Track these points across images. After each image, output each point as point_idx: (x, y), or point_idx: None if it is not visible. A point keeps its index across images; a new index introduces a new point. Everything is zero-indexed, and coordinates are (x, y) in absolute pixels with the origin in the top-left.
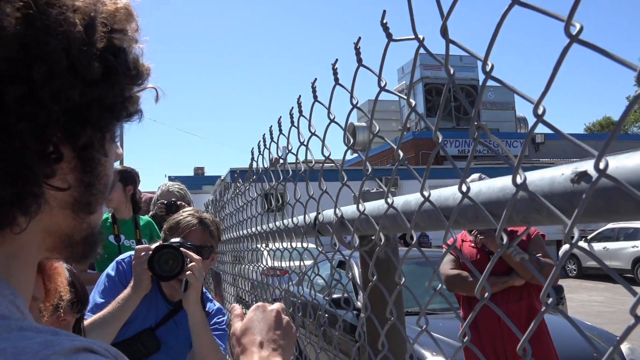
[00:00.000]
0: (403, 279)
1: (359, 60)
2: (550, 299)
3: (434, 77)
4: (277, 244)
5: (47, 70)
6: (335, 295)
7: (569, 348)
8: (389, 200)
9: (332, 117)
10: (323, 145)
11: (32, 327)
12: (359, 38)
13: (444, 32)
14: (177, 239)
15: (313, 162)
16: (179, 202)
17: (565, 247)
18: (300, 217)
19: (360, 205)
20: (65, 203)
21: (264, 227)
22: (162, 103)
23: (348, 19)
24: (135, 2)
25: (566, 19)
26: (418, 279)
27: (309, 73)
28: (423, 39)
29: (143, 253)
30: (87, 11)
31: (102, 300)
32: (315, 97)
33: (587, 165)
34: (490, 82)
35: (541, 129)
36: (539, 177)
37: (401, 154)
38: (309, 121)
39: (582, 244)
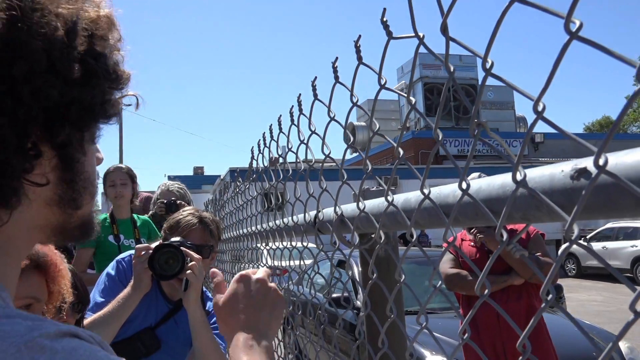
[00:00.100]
0: (403, 277)
1: (359, 59)
2: (550, 296)
3: (434, 76)
4: (277, 243)
5: (28, 68)
6: (335, 295)
7: (568, 347)
8: (389, 198)
9: (332, 116)
10: (323, 143)
11: (18, 314)
12: (359, 36)
13: (444, 29)
14: (177, 238)
15: (313, 161)
16: (178, 202)
17: (566, 244)
18: (301, 216)
19: (360, 203)
20: (50, 200)
21: (264, 225)
22: (161, 103)
23: (348, 18)
24: (117, 12)
25: (566, 16)
26: (418, 278)
27: (309, 72)
28: (423, 36)
29: (143, 252)
30: (69, 17)
31: (103, 300)
32: (315, 95)
33: (587, 162)
34: (489, 82)
35: (541, 128)
36: (538, 174)
37: (401, 151)
38: (309, 119)
39: (581, 243)
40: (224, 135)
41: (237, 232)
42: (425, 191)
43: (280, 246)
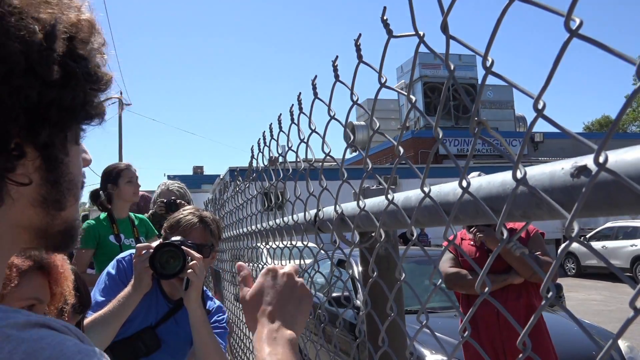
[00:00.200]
0: (403, 275)
1: (359, 57)
2: (551, 293)
3: (433, 75)
4: (277, 242)
5: (6, 70)
6: (334, 294)
7: (567, 346)
8: (390, 197)
9: (332, 114)
10: (323, 142)
11: None
12: (359, 35)
13: (444, 28)
14: (177, 238)
15: (313, 160)
16: (178, 201)
17: (566, 241)
18: (301, 214)
19: (360, 201)
20: (34, 200)
21: (264, 224)
22: (161, 102)
23: (348, 18)
24: (98, 15)
25: (566, 14)
26: (417, 278)
27: (309, 71)
28: (423, 35)
29: (144, 251)
30: (48, 20)
31: (103, 299)
32: (315, 94)
33: (587, 160)
34: (489, 81)
35: (540, 127)
36: (539, 172)
37: (401, 150)
38: (309, 118)
39: (581, 241)
40: (224, 135)
41: (237, 231)
42: (426, 189)
43: (281, 245)
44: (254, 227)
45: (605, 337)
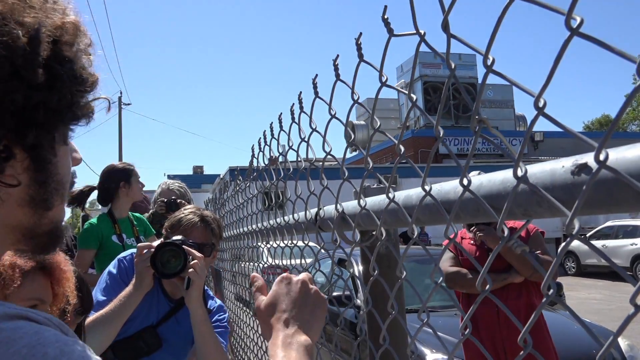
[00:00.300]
0: (404, 273)
1: (360, 56)
2: (551, 290)
3: (433, 75)
4: (277, 242)
5: None
6: (335, 293)
7: (567, 345)
8: (390, 195)
9: (333, 113)
10: (324, 140)
11: None
12: (360, 34)
13: (445, 26)
14: (178, 237)
15: (314, 159)
16: (179, 200)
17: (567, 239)
18: (302, 213)
19: (361, 200)
20: (22, 200)
21: (265, 224)
22: (161, 102)
23: (348, 17)
24: (84, 18)
25: (567, 13)
26: (418, 277)
27: (309, 71)
28: (424, 33)
29: (145, 251)
30: (32, 24)
31: (104, 298)
32: (316, 93)
33: (588, 158)
34: (489, 80)
35: (541, 126)
36: (539, 170)
37: (402, 148)
38: (310, 117)
39: (583, 238)
40: (224, 135)
41: (237, 230)
42: (427, 188)
43: (282, 244)
44: (254, 226)
45: (606, 336)
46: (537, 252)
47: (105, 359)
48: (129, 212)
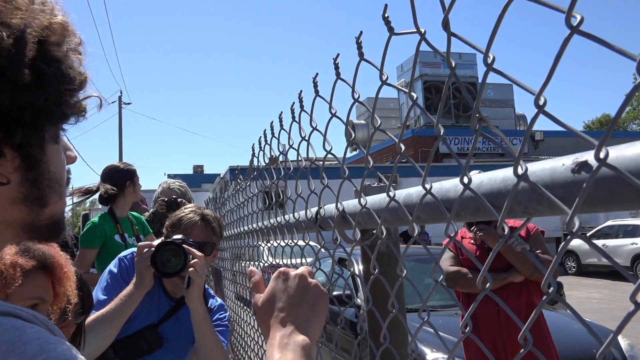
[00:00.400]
0: (405, 272)
1: (361, 55)
2: (552, 289)
3: (433, 74)
4: (278, 241)
5: None
6: (335, 292)
7: (568, 344)
8: (391, 194)
9: (333, 112)
10: (325, 139)
11: None
12: (361, 32)
13: (445, 25)
14: (179, 236)
15: (315, 157)
16: (179, 200)
17: (568, 237)
18: (302, 212)
19: (361, 199)
20: (16, 199)
21: (265, 222)
22: (161, 101)
23: (348, 17)
24: (72, 17)
25: (567, 11)
26: (418, 276)
27: (309, 71)
28: (425, 32)
29: (146, 250)
30: (18, 25)
31: (105, 297)
32: (316, 91)
33: (588, 156)
34: (489, 79)
35: (541, 125)
36: (540, 168)
37: (403, 147)
38: (310, 116)
39: (583, 236)
40: (224, 134)
41: (238, 229)
42: (427, 186)
43: (282, 243)
44: (254, 225)
45: (606, 335)
46: (537, 251)
47: (106, 358)
48: (129, 212)
